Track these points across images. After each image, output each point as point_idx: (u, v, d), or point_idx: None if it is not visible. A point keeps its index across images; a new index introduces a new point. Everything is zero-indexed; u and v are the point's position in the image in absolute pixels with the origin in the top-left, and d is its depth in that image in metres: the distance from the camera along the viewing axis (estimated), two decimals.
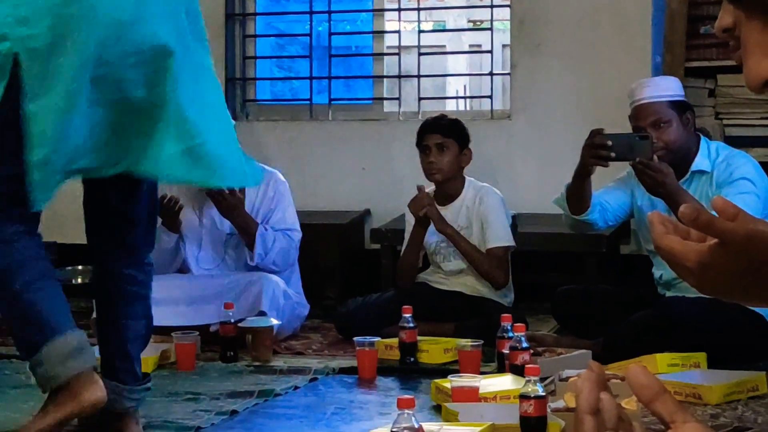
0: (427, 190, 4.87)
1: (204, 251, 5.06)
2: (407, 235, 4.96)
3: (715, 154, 4.47)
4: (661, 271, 4.54)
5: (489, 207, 4.85)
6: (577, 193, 4.49)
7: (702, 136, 4.55)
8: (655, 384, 1.00)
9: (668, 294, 4.55)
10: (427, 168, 4.89)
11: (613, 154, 4.28)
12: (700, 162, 4.46)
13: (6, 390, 4.01)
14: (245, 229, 4.92)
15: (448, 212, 4.89)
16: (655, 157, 4.26)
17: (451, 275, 4.93)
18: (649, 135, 4.30)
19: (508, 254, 4.84)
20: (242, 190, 4.93)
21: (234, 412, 3.63)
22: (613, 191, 4.65)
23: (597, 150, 4.29)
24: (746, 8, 1.03)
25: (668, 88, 4.50)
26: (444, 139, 4.86)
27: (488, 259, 4.79)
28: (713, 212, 1.30)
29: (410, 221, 4.96)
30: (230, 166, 3.13)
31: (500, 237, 4.83)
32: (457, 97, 8.71)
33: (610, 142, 4.27)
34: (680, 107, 4.47)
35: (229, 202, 4.87)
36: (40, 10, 2.86)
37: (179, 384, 4.03)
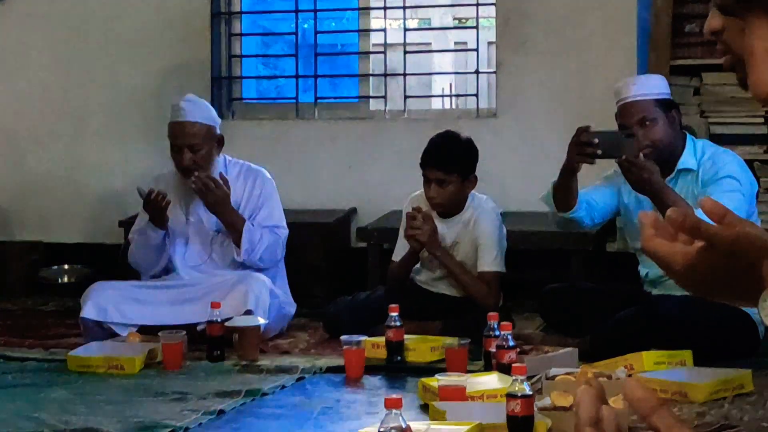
0: (424, 210, 4.80)
1: (190, 248, 5.03)
2: (401, 231, 4.89)
3: (701, 152, 4.48)
4: (648, 269, 4.54)
5: (483, 230, 4.80)
6: (564, 191, 4.50)
7: (688, 134, 4.56)
8: (652, 397, 1.00)
9: (654, 292, 4.56)
10: (429, 199, 4.82)
11: (599, 152, 4.29)
12: (686, 160, 4.47)
13: None
14: (232, 224, 4.90)
15: (445, 226, 4.85)
16: (641, 154, 4.27)
17: (439, 280, 4.91)
18: (635, 133, 4.31)
19: (498, 279, 4.79)
20: (227, 184, 4.89)
21: (221, 412, 3.63)
22: (599, 189, 4.66)
23: (583, 147, 4.30)
24: (755, 13, 0.95)
25: (654, 86, 4.51)
26: (446, 176, 4.76)
27: (478, 283, 4.76)
28: (699, 210, 1.30)
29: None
30: None
31: (491, 262, 4.78)
32: (443, 96, 8.70)
33: (596, 140, 4.28)
34: (666, 105, 4.47)
35: (215, 195, 4.83)
36: None
37: (166, 384, 4.02)
